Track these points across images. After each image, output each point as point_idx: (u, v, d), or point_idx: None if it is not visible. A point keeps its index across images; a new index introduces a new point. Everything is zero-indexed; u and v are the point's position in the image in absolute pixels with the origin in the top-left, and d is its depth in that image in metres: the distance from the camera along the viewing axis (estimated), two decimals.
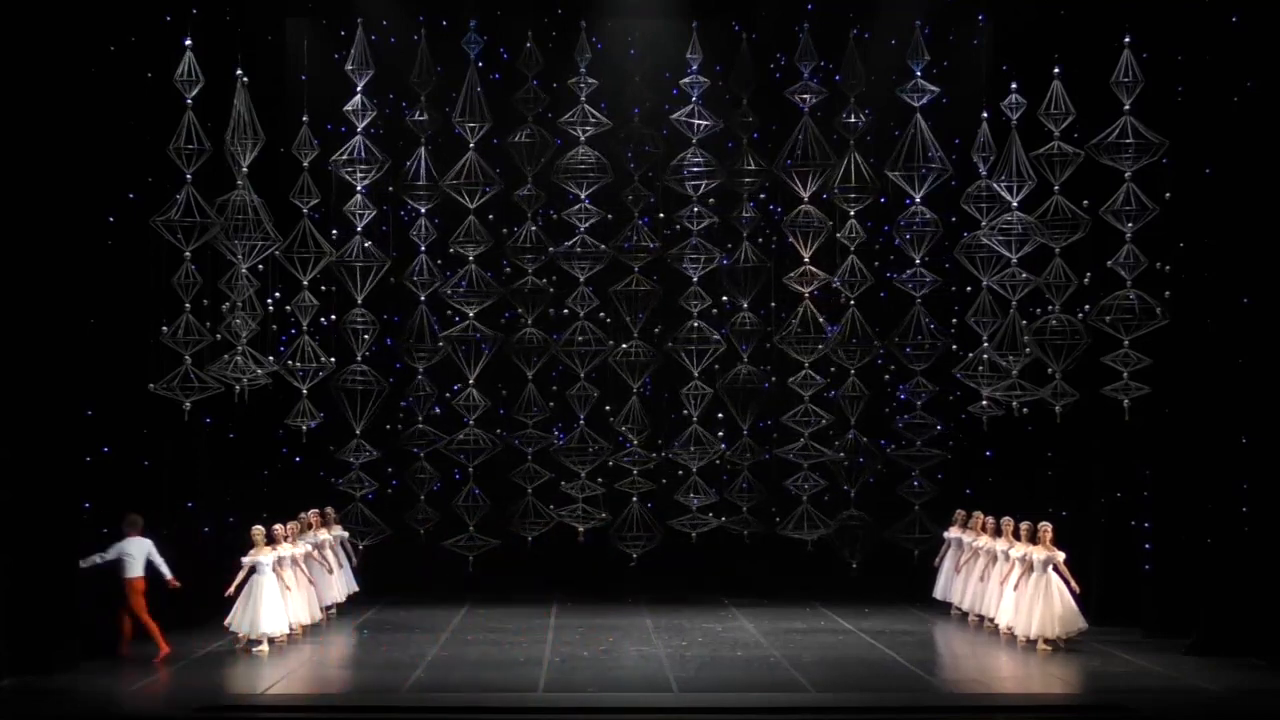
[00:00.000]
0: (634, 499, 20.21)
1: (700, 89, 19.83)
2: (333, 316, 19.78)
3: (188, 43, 16.25)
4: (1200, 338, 16.77)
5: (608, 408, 20.33)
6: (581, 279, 19.93)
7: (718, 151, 20.15)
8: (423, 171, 19.77)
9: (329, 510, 19.41)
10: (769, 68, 20.69)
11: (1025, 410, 18.44)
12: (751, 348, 20.24)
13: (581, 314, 20.00)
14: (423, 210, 19.99)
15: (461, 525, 20.24)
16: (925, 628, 18.42)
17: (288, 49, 20.11)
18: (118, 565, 15.76)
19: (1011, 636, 16.95)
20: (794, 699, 13.73)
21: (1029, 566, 16.60)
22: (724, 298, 20.42)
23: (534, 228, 20.04)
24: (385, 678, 14.80)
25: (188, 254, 16.32)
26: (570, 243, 19.85)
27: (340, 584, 19.16)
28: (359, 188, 19.62)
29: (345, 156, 19.46)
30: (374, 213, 19.67)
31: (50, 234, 15.14)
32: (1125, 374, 16.97)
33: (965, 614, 18.67)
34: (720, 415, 20.29)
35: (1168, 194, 17.00)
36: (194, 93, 16.24)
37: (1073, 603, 16.50)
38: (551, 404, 20.54)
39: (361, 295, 19.54)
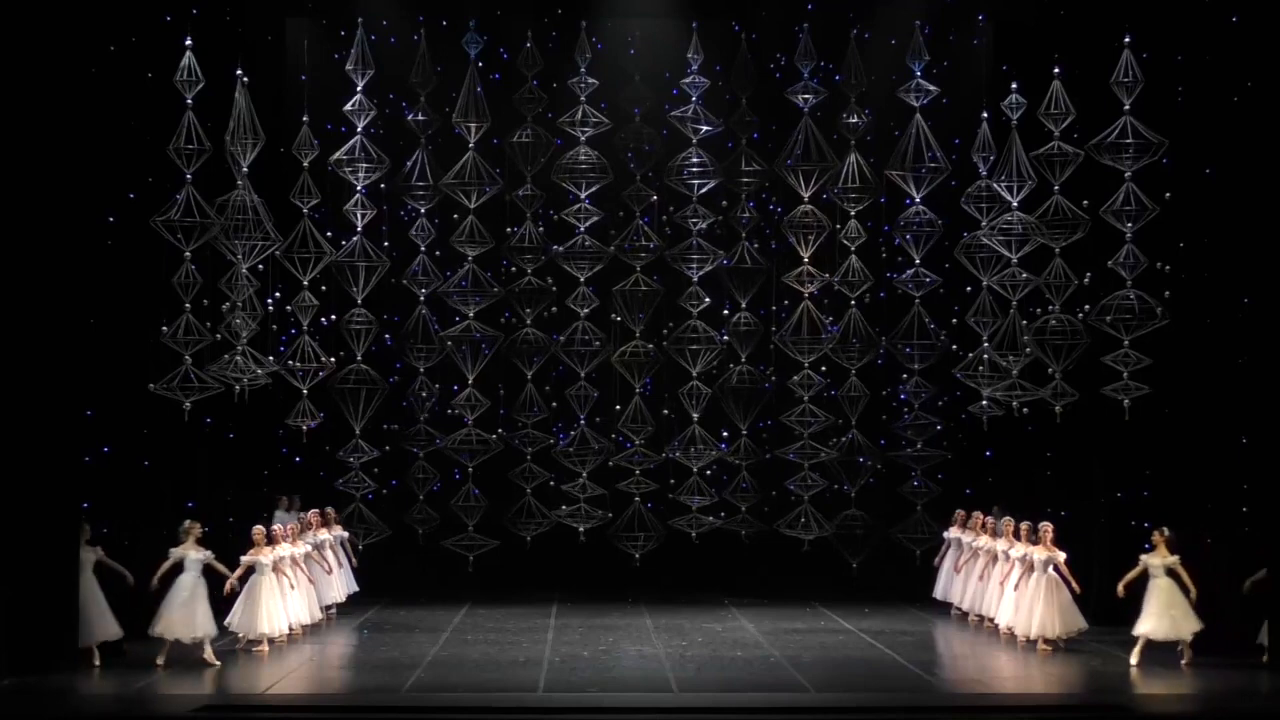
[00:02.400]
0: (636, 499, 20.22)
1: (700, 89, 19.86)
2: (333, 316, 19.79)
3: (188, 43, 16.28)
4: (1200, 338, 16.77)
5: (618, 407, 20.30)
6: (581, 279, 19.94)
7: (718, 151, 20.16)
8: (423, 171, 19.81)
9: (329, 510, 19.41)
10: (769, 68, 20.71)
11: (1025, 410, 18.44)
12: (751, 348, 20.24)
13: (582, 314, 20.01)
14: (422, 210, 20.01)
15: (462, 525, 20.26)
16: (925, 628, 18.42)
17: (288, 49, 20.12)
18: None
19: (1011, 636, 16.95)
20: (794, 699, 13.73)
21: (1030, 566, 16.59)
22: (704, 299, 20.08)
23: (540, 228, 20.07)
24: (385, 678, 14.80)
25: (188, 254, 16.33)
26: (570, 243, 19.87)
27: (340, 584, 19.15)
28: (359, 188, 19.64)
29: (345, 156, 19.48)
30: (374, 213, 19.71)
31: (50, 234, 15.13)
32: (1125, 374, 16.97)
33: (965, 614, 18.67)
34: (695, 416, 20.21)
35: (1168, 194, 17.00)
36: (194, 93, 16.26)
37: (1072, 602, 16.49)
38: (554, 404, 20.55)
39: (361, 295, 19.56)
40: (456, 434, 20.02)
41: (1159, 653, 15.96)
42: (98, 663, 15.13)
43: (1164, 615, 15.41)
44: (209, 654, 15.33)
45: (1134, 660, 15.38)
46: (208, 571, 15.71)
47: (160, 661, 15.10)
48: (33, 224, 14.95)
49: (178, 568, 15.54)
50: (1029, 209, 17.82)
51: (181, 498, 17.94)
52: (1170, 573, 15.54)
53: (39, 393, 14.96)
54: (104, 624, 15.33)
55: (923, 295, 19.62)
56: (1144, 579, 15.69)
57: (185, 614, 15.28)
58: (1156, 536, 15.77)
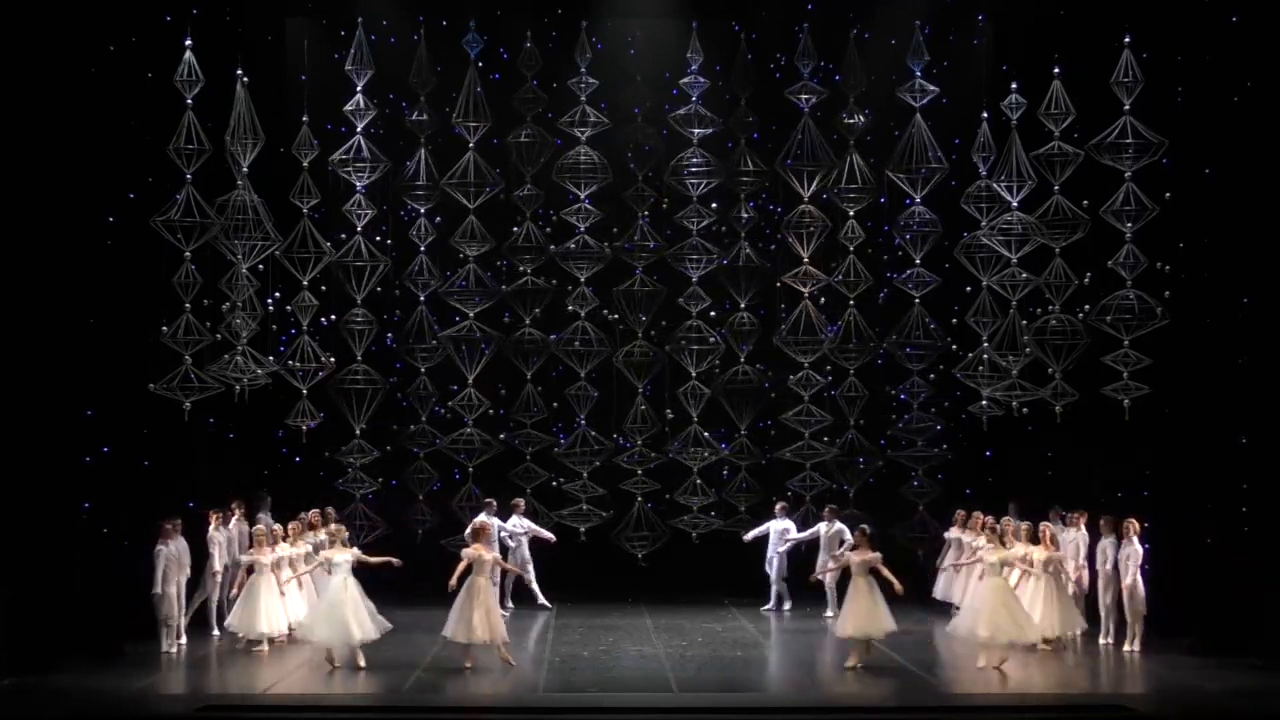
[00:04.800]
0: (639, 500, 20.23)
1: (700, 89, 19.87)
2: (333, 316, 19.79)
3: (188, 43, 16.30)
4: (1200, 338, 16.77)
5: (641, 409, 20.27)
6: (582, 279, 19.96)
7: (718, 151, 20.17)
8: (423, 171, 19.82)
9: (329, 510, 19.39)
10: (769, 68, 20.71)
11: (1025, 410, 18.44)
12: (750, 348, 20.25)
13: (582, 314, 20.02)
14: (422, 210, 20.03)
15: (462, 525, 20.24)
16: (925, 628, 18.41)
17: (288, 49, 20.13)
18: None
19: None
20: (794, 699, 13.73)
21: (1044, 564, 16.41)
22: (687, 303, 20.12)
23: (548, 228, 20.08)
24: (385, 678, 14.80)
25: (188, 254, 16.35)
26: (574, 240, 19.88)
27: None
28: (359, 188, 19.65)
29: (345, 156, 19.49)
30: (374, 213, 19.72)
31: (50, 234, 15.14)
32: (1125, 374, 16.98)
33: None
34: (670, 416, 20.13)
35: (1168, 194, 17.01)
36: (194, 93, 16.28)
37: (1072, 602, 16.47)
38: (555, 404, 20.55)
39: (361, 295, 19.57)
40: (457, 434, 20.03)
41: (1158, 653, 15.97)
42: (363, 664, 15.04)
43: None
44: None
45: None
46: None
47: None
48: (33, 224, 14.97)
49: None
50: (1029, 209, 17.84)
51: (181, 498, 17.96)
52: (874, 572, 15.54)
53: (39, 393, 14.97)
54: (364, 625, 15.20)
55: (923, 295, 19.64)
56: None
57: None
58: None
